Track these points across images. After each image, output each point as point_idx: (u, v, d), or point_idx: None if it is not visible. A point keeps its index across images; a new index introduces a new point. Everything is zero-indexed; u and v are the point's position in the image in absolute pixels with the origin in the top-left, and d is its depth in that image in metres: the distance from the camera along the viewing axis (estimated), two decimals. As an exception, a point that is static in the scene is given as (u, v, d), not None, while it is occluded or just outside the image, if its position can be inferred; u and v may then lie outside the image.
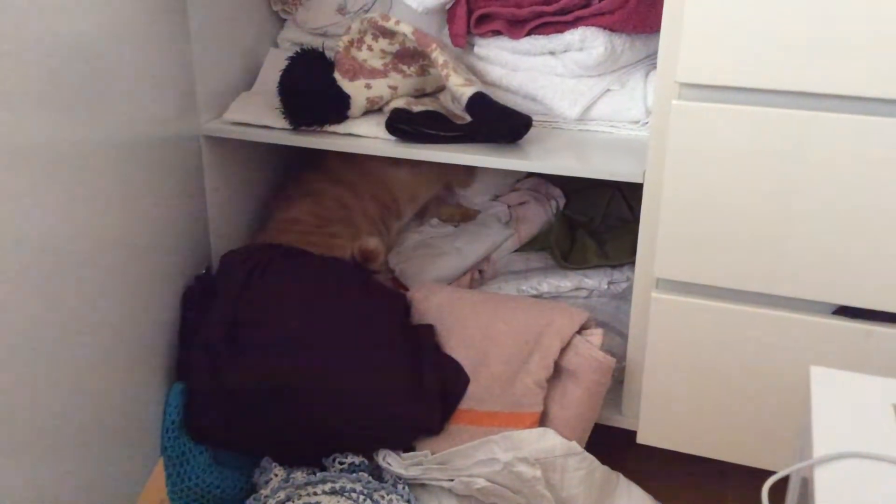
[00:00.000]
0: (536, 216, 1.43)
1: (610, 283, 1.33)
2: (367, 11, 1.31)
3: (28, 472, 0.83)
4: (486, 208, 1.46)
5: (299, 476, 1.05)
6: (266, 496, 1.03)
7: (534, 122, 1.10)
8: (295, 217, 1.30)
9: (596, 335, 1.08)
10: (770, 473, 0.70)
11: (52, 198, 0.85)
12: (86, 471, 0.93)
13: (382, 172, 1.35)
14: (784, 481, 0.73)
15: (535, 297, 1.30)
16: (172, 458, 1.05)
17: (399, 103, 1.15)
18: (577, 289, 1.33)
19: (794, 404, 0.99)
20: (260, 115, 1.18)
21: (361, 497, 1.02)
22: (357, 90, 1.14)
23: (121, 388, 0.98)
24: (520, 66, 1.17)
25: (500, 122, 1.07)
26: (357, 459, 1.06)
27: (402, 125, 1.11)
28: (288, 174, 1.41)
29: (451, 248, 1.37)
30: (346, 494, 1.02)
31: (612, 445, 1.11)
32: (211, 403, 1.05)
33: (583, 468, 1.03)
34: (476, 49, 1.20)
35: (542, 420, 1.05)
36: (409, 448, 1.08)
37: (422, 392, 1.07)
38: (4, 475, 0.80)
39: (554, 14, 1.10)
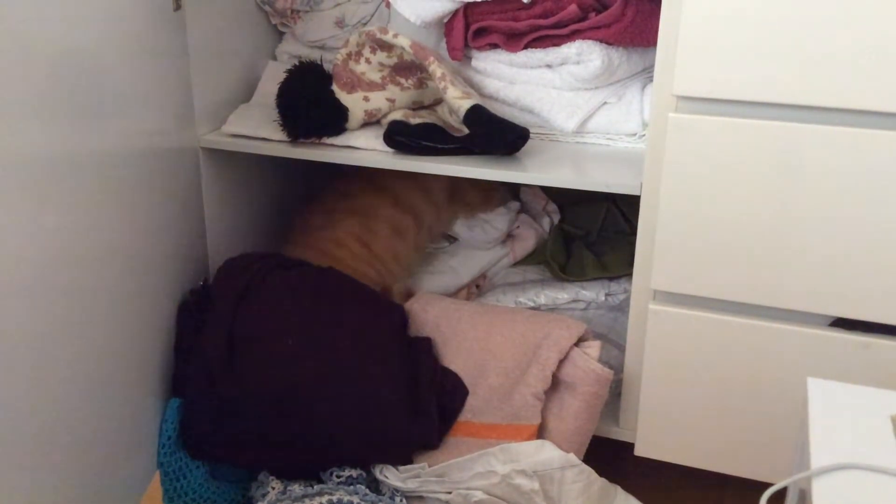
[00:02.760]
0: (531, 235, 1.43)
1: (607, 294, 1.33)
2: (365, 24, 1.32)
3: (24, 485, 0.83)
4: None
5: (296, 488, 1.04)
6: (263, 509, 1.03)
7: (531, 135, 1.10)
8: (338, 238, 1.26)
9: (593, 347, 1.08)
10: (768, 485, 0.70)
11: (49, 210, 0.85)
12: (81, 485, 0.92)
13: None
14: (782, 493, 0.73)
15: (532, 309, 1.30)
16: (169, 474, 1.04)
17: (397, 116, 1.15)
18: (575, 301, 1.33)
19: (791, 416, 0.99)
20: (258, 128, 1.18)
21: (359, 510, 1.01)
22: (355, 103, 1.15)
23: (117, 401, 0.98)
24: (517, 79, 1.18)
25: (497, 134, 1.08)
26: (355, 472, 1.06)
27: (400, 137, 1.11)
28: (286, 186, 1.41)
29: (446, 266, 1.37)
30: (344, 507, 1.02)
31: (610, 458, 1.11)
32: (208, 418, 1.05)
33: (581, 480, 1.02)
34: (473, 62, 1.21)
35: (540, 432, 1.05)
36: (406, 461, 1.08)
37: (419, 406, 1.07)
38: (0, 489, 0.80)
39: (551, 27, 1.11)
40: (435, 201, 1.35)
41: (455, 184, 1.35)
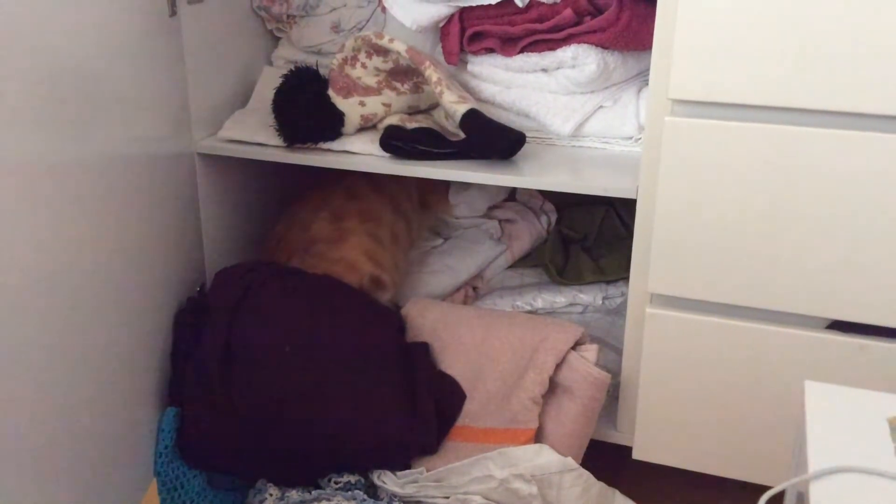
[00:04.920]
0: (528, 232, 1.44)
1: (604, 298, 1.33)
2: (360, 29, 1.32)
3: (20, 495, 0.83)
4: (478, 224, 1.46)
5: (294, 495, 1.04)
6: (260, 515, 1.03)
7: (527, 139, 1.10)
8: (349, 259, 1.23)
9: (591, 351, 1.08)
10: (766, 488, 0.70)
11: (44, 217, 0.85)
12: (77, 494, 0.92)
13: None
14: (780, 496, 0.73)
15: (529, 312, 1.30)
16: (167, 483, 1.04)
17: (393, 120, 1.15)
18: (572, 304, 1.33)
19: (788, 419, 0.99)
20: (254, 133, 1.18)
21: (357, 515, 1.01)
22: (351, 107, 1.15)
23: (113, 409, 0.97)
24: (513, 84, 1.18)
25: (493, 138, 1.08)
26: (353, 478, 1.06)
27: (396, 142, 1.11)
28: (283, 191, 1.41)
29: (442, 265, 1.37)
30: (342, 513, 1.01)
31: (608, 461, 1.11)
32: (205, 427, 1.04)
33: (579, 484, 1.02)
34: (469, 66, 1.21)
35: (538, 436, 1.05)
36: (404, 466, 1.07)
37: (417, 412, 1.07)
38: (-3, 496, 0.80)
39: (546, 32, 1.11)
40: (414, 206, 1.35)
41: (422, 188, 1.37)
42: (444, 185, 1.41)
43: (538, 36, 1.12)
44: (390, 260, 1.27)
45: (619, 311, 1.33)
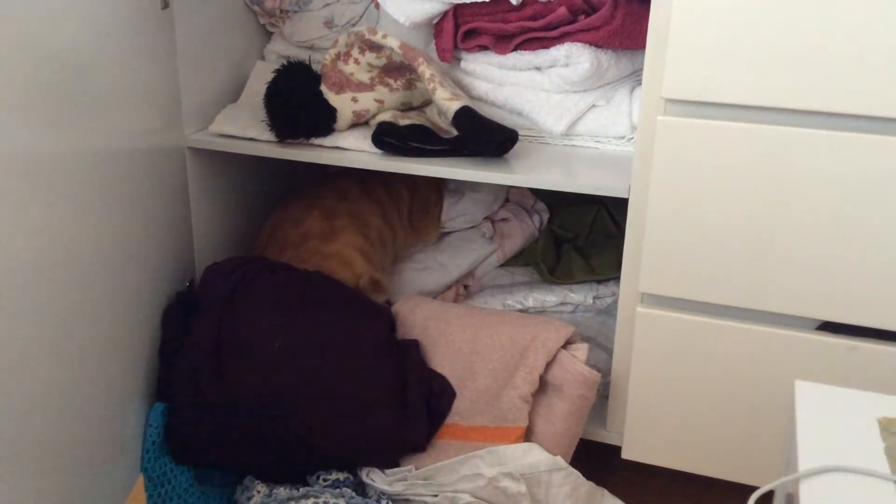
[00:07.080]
0: (520, 232, 1.43)
1: (595, 298, 1.33)
2: (354, 25, 1.31)
3: (4, 489, 0.82)
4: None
5: (282, 491, 1.04)
6: (248, 512, 1.02)
7: (520, 137, 1.10)
8: (343, 255, 1.22)
9: (581, 350, 1.08)
10: (755, 489, 0.70)
11: (32, 211, 0.84)
12: (63, 489, 0.91)
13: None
14: (769, 496, 0.73)
15: (520, 311, 1.30)
16: (153, 479, 1.03)
17: (385, 117, 1.15)
18: (563, 303, 1.33)
19: (778, 419, 1.00)
20: (246, 128, 1.18)
21: (345, 513, 1.01)
22: (343, 103, 1.14)
23: (100, 404, 0.97)
24: (506, 81, 1.18)
25: (486, 136, 1.08)
26: (341, 476, 1.06)
27: (389, 138, 1.11)
28: (274, 186, 1.41)
29: (434, 263, 1.37)
30: (330, 510, 1.01)
31: (597, 461, 1.11)
32: (193, 423, 1.04)
33: (568, 483, 1.02)
34: (463, 64, 1.20)
35: (528, 435, 1.05)
36: (393, 464, 1.07)
37: (407, 409, 1.06)
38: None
39: (540, 29, 1.11)
40: (403, 221, 1.35)
41: (412, 209, 1.37)
42: (437, 209, 1.41)
43: (532, 34, 1.12)
44: (380, 262, 1.27)
45: (610, 311, 1.33)
